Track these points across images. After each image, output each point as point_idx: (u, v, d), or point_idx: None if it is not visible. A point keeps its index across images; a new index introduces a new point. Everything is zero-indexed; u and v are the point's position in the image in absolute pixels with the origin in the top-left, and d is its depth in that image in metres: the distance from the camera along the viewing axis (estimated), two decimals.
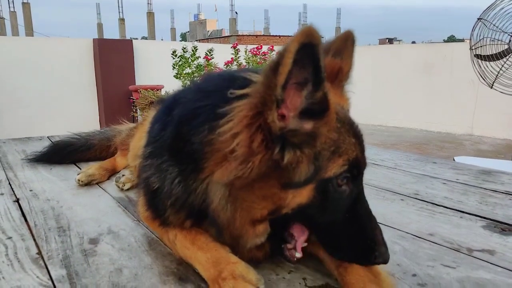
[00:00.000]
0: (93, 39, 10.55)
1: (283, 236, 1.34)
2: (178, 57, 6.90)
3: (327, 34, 1.49)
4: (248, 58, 7.36)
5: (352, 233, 1.26)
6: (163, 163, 1.39)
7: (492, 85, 7.62)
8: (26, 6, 42.11)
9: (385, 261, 1.24)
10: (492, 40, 7.46)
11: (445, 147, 10.24)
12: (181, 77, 6.86)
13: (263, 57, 7.38)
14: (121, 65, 10.38)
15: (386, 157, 3.33)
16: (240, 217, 1.22)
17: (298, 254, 1.33)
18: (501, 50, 7.35)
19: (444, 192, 2.38)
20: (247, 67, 6.93)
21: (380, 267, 1.31)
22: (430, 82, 12.46)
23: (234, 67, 6.92)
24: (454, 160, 4.87)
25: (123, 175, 2.41)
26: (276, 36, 43.26)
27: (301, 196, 1.19)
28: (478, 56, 7.69)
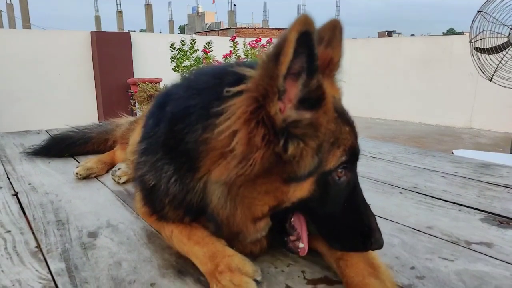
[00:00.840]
0: (91, 31, 10.49)
1: (283, 228, 1.35)
2: (176, 50, 6.87)
3: None
4: (247, 50, 7.33)
5: (350, 222, 1.28)
6: (158, 161, 1.39)
7: (491, 78, 7.62)
8: None
9: (380, 246, 1.26)
10: (492, 33, 7.45)
11: (444, 141, 10.25)
12: (180, 70, 6.83)
13: (262, 49, 7.35)
14: (119, 58, 10.34)
15: (385, 150, 3.33)
16: (240, 214, 1.22)
17: (302, 245, 1.34)
18: (501, 43, 7.34)
19: (443, 185, 2.39)
20: (245, 60, 6.91)
21: (380, 260, 1.32)
22: (429, 75, 12.45)
23: (233, 60, 6.89)
24: (452, 153, 4.87)
25: (119, 169, 2.42)
26: (274, 28, 43.11)
27: (302, 190, 1.19)
28: (477, 49, 7.68)
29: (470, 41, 7.79)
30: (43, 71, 9.67)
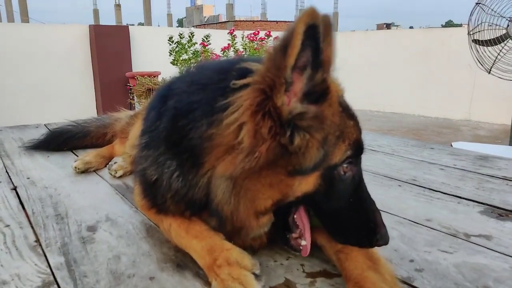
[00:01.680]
0: (89, 25, 10.45)
1: (285, 225, 1.35)
2: (174, 43, 6.86)
3: None
4: (245, 44, 7.32)
5: (355, 217, 1.27)
6: (160, 156, 1.38)
7: (490, 70, 7.61)
8: None
9: (386, 242, 1.26)
10: (490, 25, 7.43)
11: (443, 133, 10.25)
12: (178, 64, 6.83)
13: (260, 43, 7.33)
14: (118, 52, 10.30)
15: (384, 143, 3.33)
16: (244, 209, 1.22)
17: (304, 242, 1.34)
18: (499, 35, 7.32)
19: (442, 177, 2.39)
20: (244, 53, 6.90)
21: (379, 253, 1.32)
22: (428, 67, 12.42)
23: (231, 53, 6.88)
24: (451, 145, 4.87)
25: (115, 163, 2.43)
26: (273, 21, 43.05)
27: (308, 184, 1.19)
28: (476, 41, 7.67)
29: (469, 33, 7.77)
30: (41, 65, 9.63)
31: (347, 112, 1.23)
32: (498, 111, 11.02)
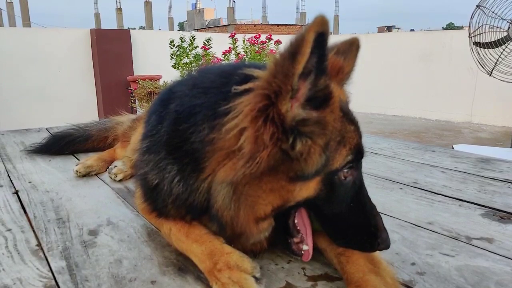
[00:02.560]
0: (91, 29, 10.49)
1: (286, 228, 1.34)
2: (176, 47, 6.86)
3: None
4: (246, 47, 7.32)
5: (356, 221, 1.27)
6: (161, 160, 1.38)
7: (491, 72, 7.62)
8: None
9: (387, 246, 1.26)
10: (491, 28, 7.44)
11: (444, 135, 10.24)
12: (179, 67, 6.83)
13: (261, 46, 7.33)
14: (119, 56, 10.34)
15: (385, 145, 3.33)
16: (244, 214, 1.22)
17: (306, 247, 1.34)
18: (500, 37, 7.33)
19: (443, 180, 2.39)
20: (245, 56, 6.90)
21: (380, 256, 1.32)
22: (429, 70, 12.43)
23: (232, 56, 6.88)
24: (453, 148, 4.87)
25: (115, 166, 2.43)
26: (274, 25, 43.01)
27: (309, 189, 1.19)
28: (477, 44, 7.68)
29: (470, 36, 7.78)
30: (43, 69, 9.67)
31: (347, 116, 1.23)
32: (499, 114, 11.03)
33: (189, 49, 6.83)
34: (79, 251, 1.53)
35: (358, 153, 1.23)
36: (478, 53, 7.68)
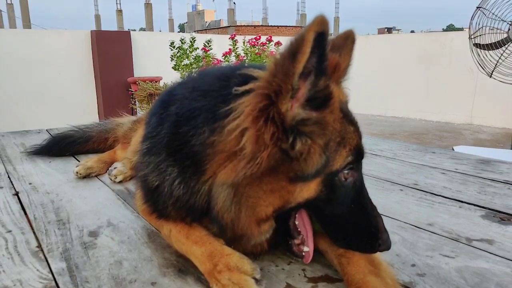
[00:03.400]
0: (91, 31, 10.48)
1: (287, 230, 1.35)
2: (176, 49, 6.86)
3: None
4: (247, 49, 7.32)
5: (356, 223, 1.27)
6: (161, 162, 1.38)
7: (491, 74, 7.62)
8: None
9: (388, 247, 1.26)
10: (491, 29, 7.45)
11: (444, 137, 10.24)
12: (180, 69, 6.83)
13: (261, 47, 7.34)
14: (119, 57, 10.34)
15: (385, 147, 3.33)
16: (245, 216, 1.22)
17: (306, 248, 1.34)
18: (500, 39, 7.33)
19: (443, 182, 2.39)
20: (245, 58, 6.90)
21: (381, 258, 1.32)
22: (429, 71, 12.43)
23: (233, 58, 6.88)
24: (453, 149, 4.87)
25: (115, 168, 2.43)
26: (274, 26, 43.07)
27: (309, 190, 1.19)
28: (477, 45, 7.68)
29: (470, 37, 7.78)
30: (43, 70, 9.67)
31: (347, 117, 1.24)
32: (499, 115, 11.02)
33: (189, 51, 6.84)
34: (79, 252, 1.53)
35: (358, 154, 1.23)
36: (478, 55, 7.68)
